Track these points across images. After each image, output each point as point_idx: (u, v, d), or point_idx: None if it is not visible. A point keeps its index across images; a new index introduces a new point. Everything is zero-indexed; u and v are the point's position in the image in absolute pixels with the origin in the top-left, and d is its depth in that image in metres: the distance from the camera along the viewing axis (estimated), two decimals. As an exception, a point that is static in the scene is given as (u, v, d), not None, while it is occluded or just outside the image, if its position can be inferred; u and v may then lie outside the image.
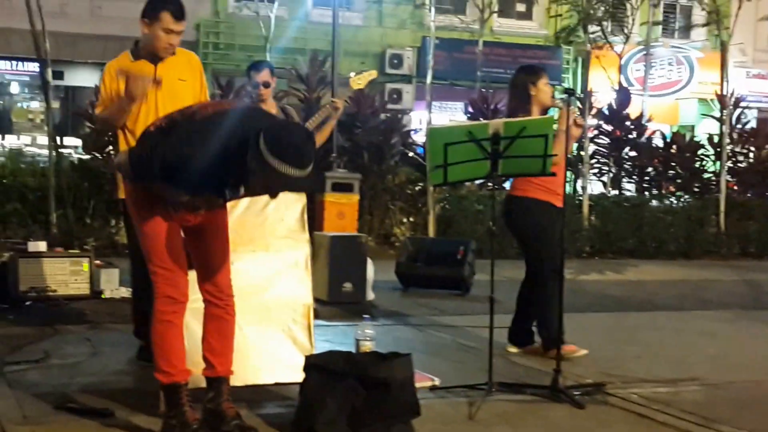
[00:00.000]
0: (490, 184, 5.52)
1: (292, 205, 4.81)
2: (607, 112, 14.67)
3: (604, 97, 15.81)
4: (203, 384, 4.28)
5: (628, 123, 14.69)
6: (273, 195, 3.87)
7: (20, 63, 21.01)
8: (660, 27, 22.53)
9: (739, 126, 15.71)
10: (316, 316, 5.09)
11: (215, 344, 4.17)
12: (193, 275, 4.17)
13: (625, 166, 14.77)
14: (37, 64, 13.44)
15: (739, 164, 15.39)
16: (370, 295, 8.17)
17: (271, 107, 7.01)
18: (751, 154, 15.50)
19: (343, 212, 10.43)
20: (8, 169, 11.54)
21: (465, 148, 4.94)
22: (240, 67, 17.27)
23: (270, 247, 4.74)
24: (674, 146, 14.95)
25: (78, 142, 15.06)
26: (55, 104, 18.69)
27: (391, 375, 4.19)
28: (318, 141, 7.10)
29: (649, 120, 15.15)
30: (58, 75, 17.63)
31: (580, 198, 13.65)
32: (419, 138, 14.13)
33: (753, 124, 17.58)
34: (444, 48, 19.56)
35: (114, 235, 10.65)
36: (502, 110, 14.13)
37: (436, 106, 18.60)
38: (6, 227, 10.48)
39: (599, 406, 4.92)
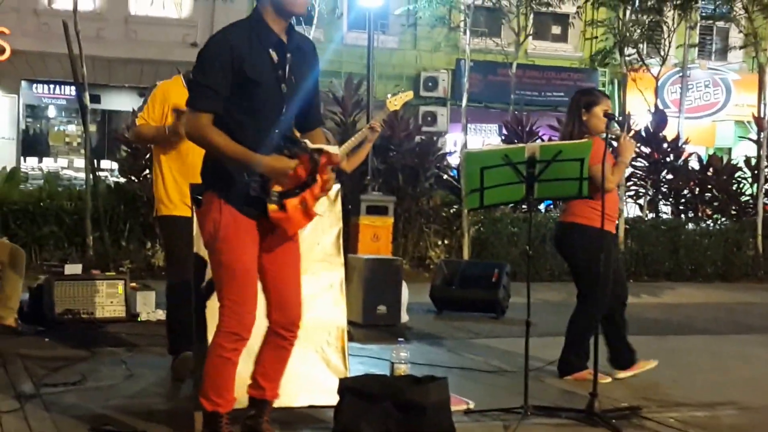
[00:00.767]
0: (525, 207, 5.50)
1: (328, 228, 4.82)
2: (643, 135, 14.56)
3: (640, 119, 15.73)
4: (237, 405, 4.28)
5: (664, 145, 14.57)
6: None
7: (57, 87, 21.32)
8: (696, 49, 22.41)
9: (776, 148, 15.53)
10: (351, 338, 5.07)
11: (270, 370, 4.15)
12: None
13: (662, 188, 14.65)
14: (74, 88, 13.62)
15: (776, 186, 15.20)
16: (405, 318, 8.15)
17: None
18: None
19: (377, 235, 10.43)
20: (46, 192, 11.65)
21: (501, 172, 4.93)
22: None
23: (306, 269, 4.72)
24: (711, 169, 14.80)
25: (114, 165, 15.21)
26: (92, 128, 18.94)
27: (427, 399, 4.17)
28: (354, 163, 7.14)
29: (685, 142, 15.02)
30: (95, 99, 17.86)
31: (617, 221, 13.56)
32: (454, 160, 14.12)
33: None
34: (478, 70, 19.57)
35: (150, 257, 10.71)
36: (537, 132, 14.12)
37: (470, 128, 18.58)
38: (43, 249, 10.59)
39: (635, 430, 4.86)
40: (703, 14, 19.29)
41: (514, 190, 5.03)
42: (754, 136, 15.50)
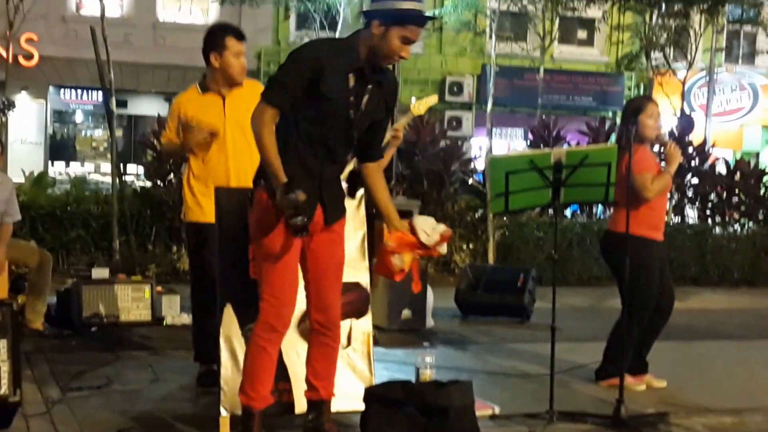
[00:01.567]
0: (551, 211, 5.49)
1: (352, 233, 4.82)
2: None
3: (666, 123, 15.64)
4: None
5: (691, 149, 14.48)
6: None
7: (85, 92, 21.48)
8: (723, 53, 22.28)
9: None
10: (376, 342, 5.07)
11: (320, 369, 4.28)
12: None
13: (688, 193, 14.55)
14: (101, 93, 13.69)
15: (805, 191, 15.06)
16: (430, 323, 8.14)
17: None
18: (818, 181, 15.17)
19: (402, 239, 10.40)
20: (72, 197, 11.73)
21: (527, 177, 4.92)
22: (300, 95, 17.43)
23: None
24: (738, 173, 14.69)
25: (140, 169, 15.29)
26: (118, 132, 19.06)
27: (450, 401, 4.17)
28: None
29: (712, 146, 14.93)
30: (122, 104, 18.00)
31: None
32: (479, 165, 14.10)
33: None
34: (504, 75, 19.57)
35: (175, 261, 10.75)
36: (564, 137, 14.07)
37: (495, 132, 18.59)
38: (70, 254, 10.65)
39: (663, 437, 4.83)
40: (730, 18, 19.20)
41: (540, 194, 5.02)
42: (782, 140, 15.39)
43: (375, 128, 4.22)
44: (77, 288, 7.31)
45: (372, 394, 4.28)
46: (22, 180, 13.35)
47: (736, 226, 14.20)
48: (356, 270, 4.82)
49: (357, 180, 4.43)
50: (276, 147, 3.92)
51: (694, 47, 16.76)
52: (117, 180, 10.65)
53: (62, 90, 21.41)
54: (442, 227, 4.21)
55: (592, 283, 11.83)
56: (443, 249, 4.20)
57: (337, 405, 4.59)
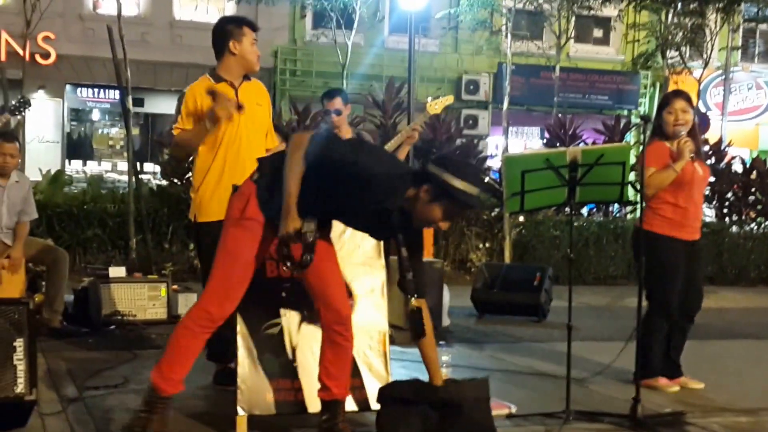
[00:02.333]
0: (567, 210, 5.47)
1: (368, 232, 4.81)
2: (685, 137, 14.41)
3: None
4: (277, 410, 4.31)
5: (707, 148, 14.42)
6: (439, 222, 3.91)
7: (102, 91, 21.56)
8: (739, 52, 22.18)
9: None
10: (392, 341, 5.07)
11: (332, 369, 4.24)
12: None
13: (705, 191, 14.50)
14: (117, 92, 13.72)
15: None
16: (446, 321, 8.13)
17: (346, 134, 7.06)
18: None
19: (418, 238, 10.40)
20: (89, 195, 11.78)
21: (542, 176, 4.90)
22: (316, 94, 17.45)
23: (346, 273, 4.74)
24: (755, 171, 14.62)
25: (157, 168, 15.34)
26: (135, 131, 19.14)
27: (462, 395, 4.17)
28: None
29: (728, 145, 14.86)
30: (139, 102, 18.06)
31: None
32: (495, 163, 14.08)
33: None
34: (520, 73, 19.52)
35: (192, 259, 10.78)
36: (580, 135, 14.03)
37: (512, 131, 18.55)
38: (86, 252, 10.70)
39: (679, 436, 4.81)
40: (746, 17, 19.11)
41: (556, 193, 5.00)
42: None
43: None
44: (94, 287, 7.34)
45: (385, 394, 4.28)
46: (39, 178, 13.42)
47: (753, 225, 14.14)
48: (372, 269, 4.82)
49: (418, 320, 4.37)
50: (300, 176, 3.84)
51: (709, 46, 16.70)
52: (133, 178, 10.69)
53: (79, 88, 21.49)
54: None
55: (608, 281, 11.81)
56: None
57: (352, 404, 4.59)
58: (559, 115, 15.90)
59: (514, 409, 5.02)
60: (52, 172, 14.19)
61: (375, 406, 4.33)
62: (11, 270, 6.83)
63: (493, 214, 12.83)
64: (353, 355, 4.52)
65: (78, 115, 22.64)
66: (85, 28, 20.03)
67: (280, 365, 4.51)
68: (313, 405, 4.43)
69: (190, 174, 11.01)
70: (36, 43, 18.12)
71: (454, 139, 12.97)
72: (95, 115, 22.88)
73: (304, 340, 4.53)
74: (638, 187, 5.19)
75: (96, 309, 7.27)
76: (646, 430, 4.78)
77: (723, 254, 13.44)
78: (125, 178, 13.60)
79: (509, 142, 14.03)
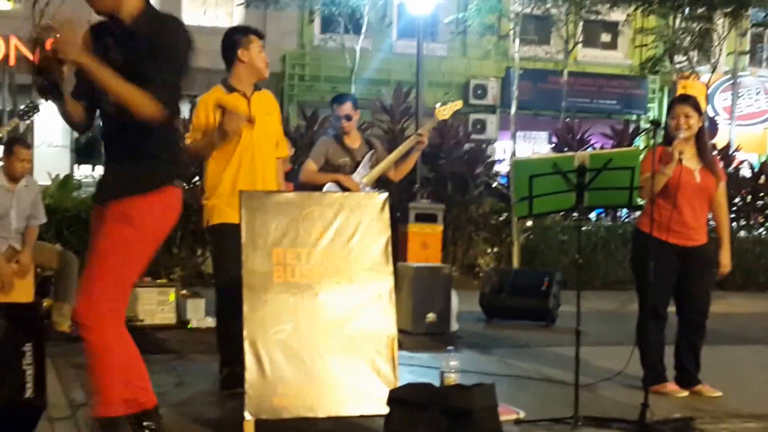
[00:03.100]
0: (575, 214, 5.47)
1: (376, 237, 4.82)
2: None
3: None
4: (285, 415, 4.32)
5: (715, 153, 14.39)
6: None
7: (111, 96, 21.53)
8: (747, 56, 22.15)
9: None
10: (400, 346, 5.07)
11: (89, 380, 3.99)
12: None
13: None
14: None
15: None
16: (454, 326, 8.13)
17: (355, 139, 7.08)
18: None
19: (426, 243, 10.42)
20: (98, 200, 11.78)
21: (550, 180, 4.90)
22: (325, 99, 17.47)
23: (354, 278, 4.75)
24: (763, 176, 14.59)
25: (166, 173, 15.33)
26: (144, 136, 19.14)
27: (472, 403, 4.16)
28: (403, 172, 7.17)
29: (736, 149, 14.83)
30: (148, 107, 18.06)
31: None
32: (503, 168, 14.08)
33: None
34: (528, 78, 19.52)
35: (200, 264, 10.80)
36: (588, 140, 14.02)
37: (519, 136, 18.54)
38: (96, 257, 10.71)
39: (688, 442, 4.80)
40: (754, 22, 19.07)
41: (564, 198, 5.00)
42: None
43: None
44: (103, 291, 7.35)
45: (395, 397, 4.28)
46: (48, 183, 13.44)
47: (761, 230, 14.10)
48: (380, 274, 4.82)
49: None
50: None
51: (717, 50, 16.69)
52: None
53: (88, 94, 21.51)
54: None
55: (616, 286, 11.77)
56: None
57: (361, 409, 4.59)
58: (567, 119, 15.90)
59: (522, 415, 5.01)
60: (61, 176, 14.22)
61: (384, 410, 4.33)
62: (20, 275, 6.85)
63: (501, 218, 12.83)
64: (361, 360, 4.53)
65: (87, 120, 22.66)
66: (95, 33, 20.07)
67: (287, 370, 4.51)
68: (321, 410, 4.44)
69: (197, 179, 11.04)
70: (44, 49, 18.14)
71: (462, 144, 12.97)
72: (104, 120, 22.91)
73: (312, 345, 4.54)
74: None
75: (104, 314, 7.28)
76: (656, 435, 4.77)
77: (731, 259, 13.39)
78: (134, 183, 13.60)
79: (517, 147, 14.01)
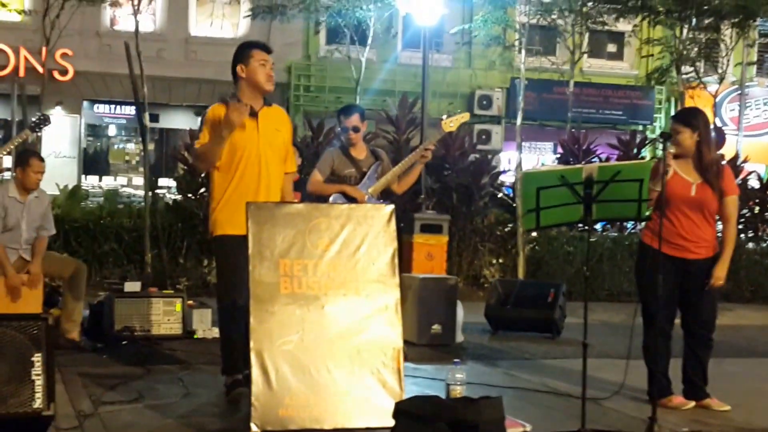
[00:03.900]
0: (581, 226, 5.47)
1: (383, 248, 4.83)
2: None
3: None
4: (291, 426, 4.31)
5: (723, 163, 14.35)
6: None
7: (118, 106, 21.69)
8: (755, 67, 22.13)
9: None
10: (405, 358, 5.07)
11: None
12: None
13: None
14: (133, 108, 13.76)
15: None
16: (460, 338, 8.12)
17: (361, 150, 7.09)
18: None
19: (432, 253, 10.42)
20: (106, 210, 11.83)
21: (558, 193, 4.90)
22: (330, 109, 17.49)
23: (361, 290, 4.76)
24: (771, 187, 14.55)
25: (172, 183, 15.41)
26: (150, 146, 19.24)
27: (479, 416, 4.16)
28: (406, 184, 7.17)
29: (744, 160, 14.80)
30: (154, 117, 18.14)
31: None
32: (508, 179, 14.06)
33: None
34: (533, 88, 19.53)
35: (206, 275, 10.81)
36: (594, 151, 14.00)
37: (525, 146, 18.52)
38: (102, 267, 10.74)
39: (696, 455, 4.79)
40: (762, 32, 19.07)
41: (572, 210, 4.99)
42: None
43: None
44: (110, 301, 7.39)
45: (401, 409, 4.28)
46: (56, 193, 13.49)
47: (770, 242, 14.06)
48: (386, 286, 4.83)
49: None
50: None
51: (725, 61, 16.67)
52: (149, 193, 10.73)
53: (96, 104, 21.62)
54: None
55: (623, 298, 11.74)
56: None
57: (367, 421, 4.60)
58: (573, 130, 15.87)
59: (529, 428, 5.00)
60: (69, 187, 14.26)
61: (390, 422, 4.33)
62: (30, 285, 6.89)
63: (506, 229, 12.82)
64: (367, 371, 4.53)
65: (94, 130, 22.77)
66: (102, 44, 20.16)
67: (293, 381, 4.52)
68: (327, 421, 4.44)
69: (204, 189, 11.06)
70: (54, 60, 18.25)
71: (467, 155, 12.96)
72: (111, 131, 23.01)
73: (318, 356, 4.54)
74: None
75: (110, 324, 7.31)
76: (662, 448, 4.76)
77: (739, 271, 13.34)
78: (140, 192, 13.66)
79: (522, 158, 14.01)
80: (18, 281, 6.84)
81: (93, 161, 22.41)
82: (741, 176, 14.48)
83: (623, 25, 17.59)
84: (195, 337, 7.64)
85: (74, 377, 5.95)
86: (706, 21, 15.60)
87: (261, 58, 5.47)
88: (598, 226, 13.28)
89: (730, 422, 5.54)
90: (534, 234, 12.51)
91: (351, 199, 6.78)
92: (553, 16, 15.93)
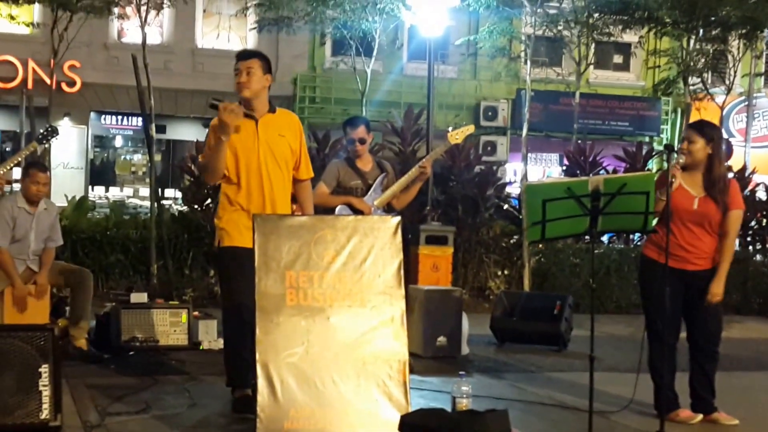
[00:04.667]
0: (587, 238, 5.47)
1: (389, 260, 4.82)
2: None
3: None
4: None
5: (731, 175, 14.32)
6: None
7: (125, 118, 21.77)
8: (762, 78, 22.11)
9: None
10: (411, 370, 5.07)
11: None
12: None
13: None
14: (140, 119, 13.79)
15: None
16: (465, 350, 8.10)
17: (367, 162, 7.09)
18: None
19: (437, 265, 10.41)
20: (112, 221, 11.84)
21: (564, 205, 4.89)
22: (335, 120, 17.50)
23: (366, 302, 4.76)
24: (779, 199, 14.50)
25: (178, 194, 15.44)
26: (157, 157, 19.28)
27: (486, 429, 4.15)
28: (405, 201, 7.17)
29: (753, 172, 14.76)
30: (161, 129, 18.23)
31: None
32: (514, 190, 14.05)
33: None
34: (539, 100, 19.52)
35: (212, 286, 10.80)
36: (601, 162, 13.97)
37: (530, 157, 18.53)
38: (109, 278, 10.75)
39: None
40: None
41: (577, 222, 4.99)
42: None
43: None
44: (116, 312, 7.41)
45: (407, 422, 4.27)
46: (64, 204, 13.52)
47: (778, 254, 14.00)
48: (392, 298, 4.82)
49: None
50: None
51: (732, 72, 16.66)
52: (155, 204, 10.75)
53: (103, 116, 21.70)
54: None
55: (630, 310, 11.70)
56: None
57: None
58: (579, 141, 15.86)
59: (535, 440, 5.00)
60: (76, 198, 14.29)
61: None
62: (37, 296, 6.91)
63: (511, 241, 12.79)
64: (372, 384, 4.51)
65: (101, 141, 22.86)
66: (110, 56, 20.26)
67: (299, 394, 4.51)
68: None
69: (209, 201, 11.08)
70: (62, 72, 18.33)
71: (472, 166, 12.96)
72: (118, 142, 23.09)
73: (324, 369, 4.53)
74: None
75: (116, 335, 7.32)
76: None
77: (747, 283, 13.31)
78: (146, 203, 13.67)
79: (528, 169, 14.01)
80: (25, 292, 6.88)
81: (100, 172, 22.48)
82: (749, 188, 14.45)
83: (630, 36, 17.63)
84: (201, 348, 7.64)
85: (81, 388, 5.95)
86: (713, 32, 15.60)
87: (235, 67, 5.53)
88: (605, 238, 13.25)
89: (739, 436, 5.52)
90: (540, 246, 12.48)
91: (357, 211, 6.79)
92: (559, 28, 15.95)
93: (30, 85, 18.92)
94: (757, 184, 14.79)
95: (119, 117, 21.79)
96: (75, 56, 17.79)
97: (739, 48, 16.53)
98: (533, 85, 14.06)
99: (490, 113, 22.35)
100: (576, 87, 16.90)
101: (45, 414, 4.28)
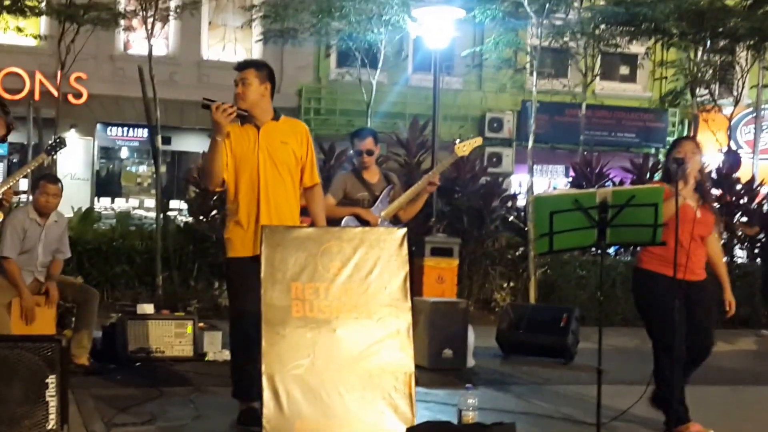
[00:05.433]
0: (594, 250, 5.45)
1: (395, 272, 4.81)
2: (715, 176, 14.29)
3: (711, 160, 15.44)
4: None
5: (738, 187, 14.28)
6: None
7: (131, 129, 21.80)
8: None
9: None
10: (416, 382, 5.04)
11: None
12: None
13: (737, 232, 14.32)
14: (146, 130, 13.81)
15: None
16: (471, 362, 8.08)
17: (374, 174, 7.08)
18: None
19: (442, 277, 10.38)
20: (118, 232, 11.85)
21: (571, 217, 4.87)
22: (340, 132, 17.52)
23: (373, 314, 4.74)
24: (787, 211, 14.44)
25: (183, 205, 15.44)
26: (162, 168, 19.29)
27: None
28: (411, 213, 7.16)
29: (760, 184, 14.72)
30: (166, 140, 18.21)
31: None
32: (519, 202, 14.02)
33: None
34: (545, 111, 19.52)
35: (217, 297, 10.81)
36: (607, 174, 13.94)
37: (536, 169, 18.52)
38: (114, 289, 10.75)
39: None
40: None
41: (585, 234, 4.96)
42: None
43: None
44: (122, 323, 7.41)
45: (416, 434, 4.25)
46: (71, 215, 13.54)
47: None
48: (398, 310, 4.80)
49: None
50: None
51: (740, 83, 16.65)
52: (161, 215, 10.75)
53: (109, 127, 21.73)
54: None
55: (637, 323, 11.61)
56: None
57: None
58: (585, 153, 15.84)
59: (542, 453, 4.97)
60: (82, 209, 14.31)
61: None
62: (47, 305, 6.92)
63: (517, 253, 12.77)
64: (378, 396, 4.49)
65: (107, 153, 22.87)
66: (116, 68, 20.31)
67: (304, 406, 4.49)
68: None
69: (215, 212, 11.09)
70: (68, 83, 18.38)
71: (478, 178, 12.95)
72: (124, 153, 23.11)
73: (329, 381, 4.51)
74: None
75: (122, 346, 7.32)
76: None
77: (755, 296, 13.25)
78: (152, 214, 13.67)
79: (534, 180, 13.98)
80: (33, 303, 6.89)
81: (105, 183, 22.50)
82: (757, 200, 14.39)
83: (636, 48, 17.62)
84: (206, 359, 7.63)
85: (87, 399, 5.95)
86: (721, 43, 15.59)
87: (235, 78, 5.59)
88: (611, 250, 13.21)
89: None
90: (546, 258, 12.44)
91: (364, 222, 6.77)
92: (565, 39, 15.94)
93: (37, 96, 18.95)
94: (765, 196, 14.74)
95: (125, 128, 21.82)
96: (81, 68, 17.82)
97: (747, 59, 16.52)
98: (539, 97, 14.04)
99: (495, 125, 22.34)
100: (582, 98, 16.90)
101: (51, 424, 4.27)
